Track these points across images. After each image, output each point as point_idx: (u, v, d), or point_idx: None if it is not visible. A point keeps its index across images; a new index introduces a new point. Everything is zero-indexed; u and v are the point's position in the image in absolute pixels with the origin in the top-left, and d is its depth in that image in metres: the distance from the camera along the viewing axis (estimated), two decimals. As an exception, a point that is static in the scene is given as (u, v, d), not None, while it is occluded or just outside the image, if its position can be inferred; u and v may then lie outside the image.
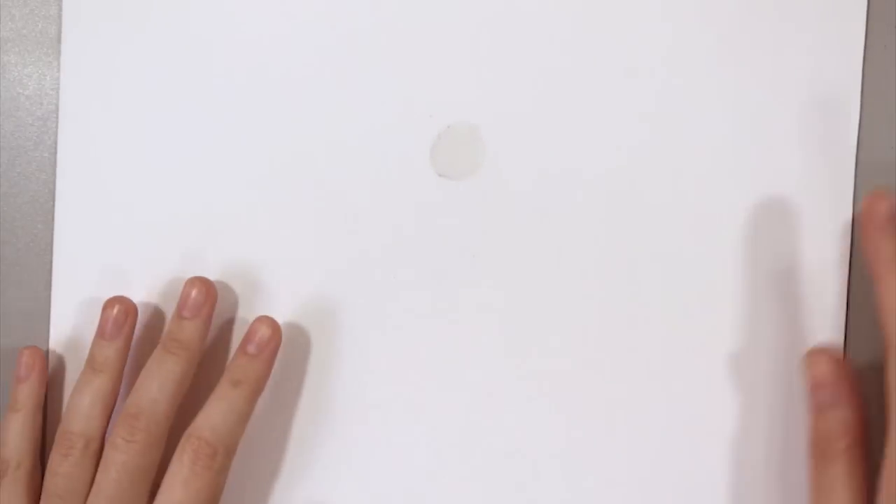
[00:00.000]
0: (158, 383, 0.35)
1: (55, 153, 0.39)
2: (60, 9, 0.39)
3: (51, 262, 0.39)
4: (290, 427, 0.39)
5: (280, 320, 0.38)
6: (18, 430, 0.37)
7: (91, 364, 0.37)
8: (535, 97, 0.38)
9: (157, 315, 0.39)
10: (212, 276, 0.39)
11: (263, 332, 0.37)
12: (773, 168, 0.37)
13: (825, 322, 0.37)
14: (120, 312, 0.37)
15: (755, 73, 0.37)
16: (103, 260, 0.39)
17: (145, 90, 0.39)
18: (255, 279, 0.39)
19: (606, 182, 0.38)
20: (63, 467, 0.35)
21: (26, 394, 0.38)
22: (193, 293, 0.37)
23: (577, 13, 0.38)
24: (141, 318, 0.39)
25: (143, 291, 0.39)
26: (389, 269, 0.38)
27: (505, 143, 0.38)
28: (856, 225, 0.37)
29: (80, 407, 0.36)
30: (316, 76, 0.38)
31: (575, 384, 0.38)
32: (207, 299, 0.37)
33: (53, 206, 0.39)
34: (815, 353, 0.34)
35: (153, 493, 0.35)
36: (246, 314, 0.39)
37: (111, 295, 0.38)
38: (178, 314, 0.37)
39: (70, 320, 0.39)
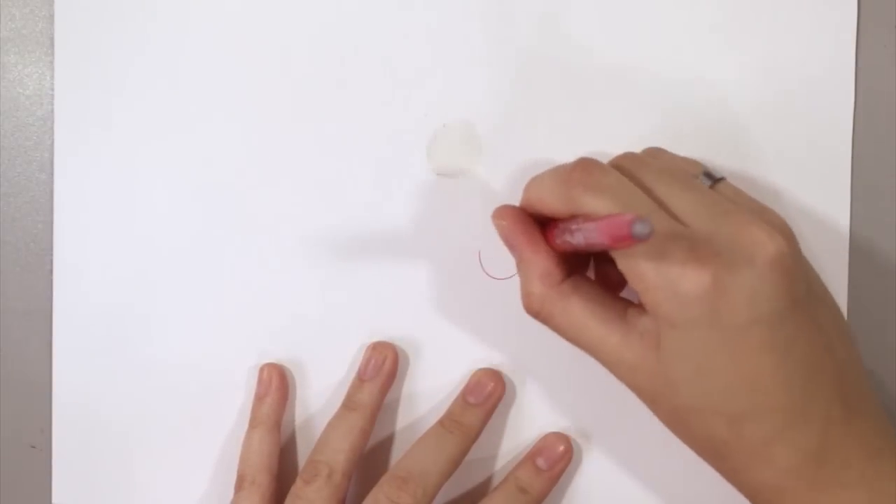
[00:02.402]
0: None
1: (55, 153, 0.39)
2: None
3: (51, 262, 0.39)
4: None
5: (276, 319, 0.38)
6: (256, 447, 0.37)
7: (346, 403, 0.37)
8: (530, 94, 0.38)
9: (157, 314, 0.39)
10: (209, 275, 0.39)
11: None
12: (771, 168, 0.37)
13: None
14: (380, 356, 0.38)
15: (751, 72, 0.37)
16: (103, 260, 0.39)
17: (141, 90, 0.39)
18: (251, 278, 0.39)
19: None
20: (304, 492, 0.35)
21: (265, 411, 0.38)
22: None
23: (572, 10, 0.38)
24: (143, 318, 0.39)
25: (143, 290, 0.39)
26: (388, 268, 0.38)
27: (501, 141, 0.38)
28: (853, 226, 0.37)
29: (330, 440, 0.36)
30: (311, 77, 0.38)
31: (577, 381, 0.38)
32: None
33: (53, 206, 0.39)
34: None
35: None
36: (244, 314, 0.39)
37: (110, 294, 0.39)
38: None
39: (71, 320, 0.39)
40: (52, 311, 0.39)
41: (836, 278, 0.37)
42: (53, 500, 0.40)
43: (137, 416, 0.39)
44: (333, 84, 0.38)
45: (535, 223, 0.33)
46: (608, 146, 0.37)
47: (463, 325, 0.38)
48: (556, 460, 0.37)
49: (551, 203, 0.31)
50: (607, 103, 0.38)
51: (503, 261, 0.38)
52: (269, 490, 0.37)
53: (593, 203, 0.29)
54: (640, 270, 0.28)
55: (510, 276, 0.38)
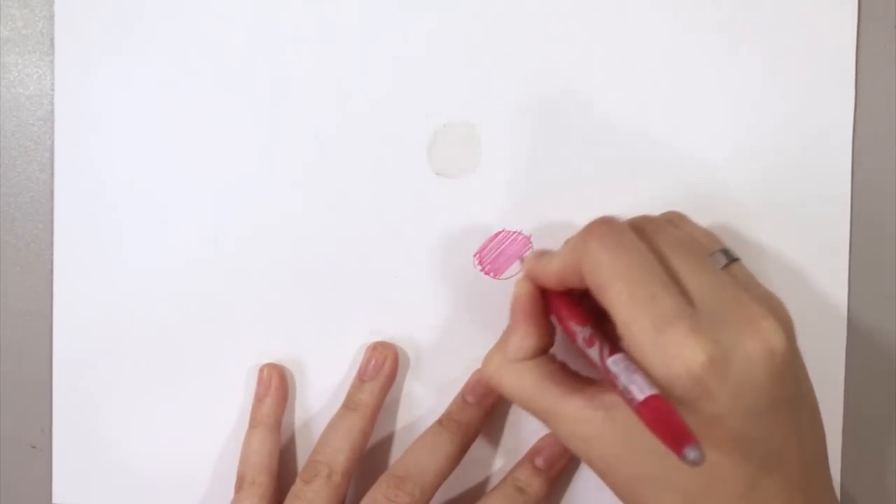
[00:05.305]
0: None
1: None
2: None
3: (51, 262, 0.39)
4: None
5: (276, 319, 0.38)
6: (256, 447, 0.38)
7: (346, 403, 0.38)
8: (530, 94, 0.38)
9: (157, 315, 0.39)
10: (209, 275, 0.39)
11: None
12: (771, 169, 0.37)
13: (826, 321, 0.37)
14: (380, 357, 0.38)
15: (751, 72, 0.37)
16: (103, 260, 0.39)
17: (141, 90, 0.39)
18: (251, 278, 0.39)
19: (602, 180, 0.38)
20: (304, 492, 0.35)
21: (265, 411, 0.38)
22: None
23: (572, 10, 0.38)
24: (143, 318, 0.39)
25: (143, 291, 0.39)
26: (388, 268, 0.38)
27: (501, 141, 0.38)
28: (854, 225, 0.37)
29: (329, 440, 0.36)
30: (312, 77, 0.38)
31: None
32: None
33: (53, 206, 0.39)
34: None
35: None
36: (244, 314, 0.39)
37: (110, 295, 0.39)
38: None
39: (71, 320, 0.39)
40: (52, 311, 0.39)
41: (836, 281, 0.37)
42: (53, 500, 0.40)
43: (137, 417, 0.39)
44: (334, 84, 0.38)
45: (542, 308, 0.33)
46: (608, 147, 0.37)
47: (463, 325, 0.38)
48: (554, 460, 0.37)
49: (570, 261, 0.31)
50: (607, 104, 0.38)
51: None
52: (269, 490, 0.37)
53: (605, 259, 0.29)
54: (638, 341, 0.28)
55: (510, 277, 0.38)
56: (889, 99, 0.37)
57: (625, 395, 0.28)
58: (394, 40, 0.38)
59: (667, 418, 0.26)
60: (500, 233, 0.38)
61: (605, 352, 0.29)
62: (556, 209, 0.38)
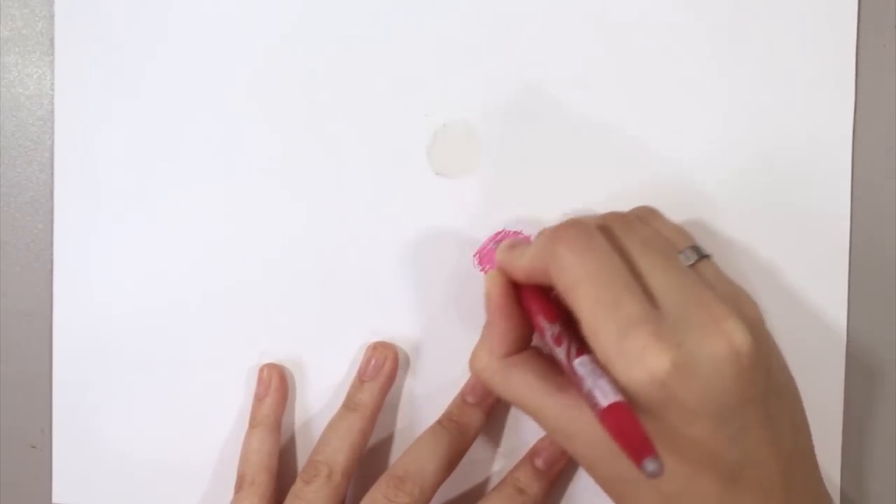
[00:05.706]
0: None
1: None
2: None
3: (51, 262, 0.40)
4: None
5: (276, 319, 0.38)
6: (256, 447, 0.38)
7: (346, 403, 0.38)
8: (530, 95, 0.38)
9: (157, 315, 0.39)
10: (209, 275, 0.39)
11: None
12: (771, 170, 0.37)
13: (826, 322, 0.37)
14: (380, 357, 0.38)
15: (750, 72, 0.37)
16: (103, 260, 0.39)
17: (141, 90, 0.39)
18: (251, 278, 0.39)
19: (603, 180, 0.38)
20: (304, 492, 0.35)
21: (264, 411, 0.38)
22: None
23: (572, 11, 0.38)
24: (143, 318, 0.39)
25: (143, 290, 0.39)
26: (388, 268, 0.38)
27: (500, 141, 0.38)
28: (854, 224, 0.37)
29: (329, 440, 0.37)
30: (311, 76, 0.38)
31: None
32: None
33: (53, 206, 0.39)
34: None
35: None
36: (244, 314, 0.39)
37: (110, 295, 0.39)
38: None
39: (71, 320, 0.39)
40: (52, 311, 0.39)
41: (836, 281, 0.37)
42: (53, 500, 0.40)
43: (137, 416, 0.39)
44: (334, 84, 0.38)
45: (516, 300, 0.33)
46: (608, 148, 0.37)
47: (463, 325, 0.38)
48: (554, 461, 0.37)
49: (538, 261, 0.31)
50: (606, 104, 0.38)
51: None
52: (269, 490, 0.37)
53: (571, 263, 0.29)
54: (603, 346, 0.28)
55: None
56: (889, 99, 0.37)
57: (589, 399, 0.28)
58: (393, 40, 0.38)
59: (628, 427, 0.26)
60: (500, 233, 0.38)
61: (573, 352, 0.29)
62: (556, 209, 0.38)
